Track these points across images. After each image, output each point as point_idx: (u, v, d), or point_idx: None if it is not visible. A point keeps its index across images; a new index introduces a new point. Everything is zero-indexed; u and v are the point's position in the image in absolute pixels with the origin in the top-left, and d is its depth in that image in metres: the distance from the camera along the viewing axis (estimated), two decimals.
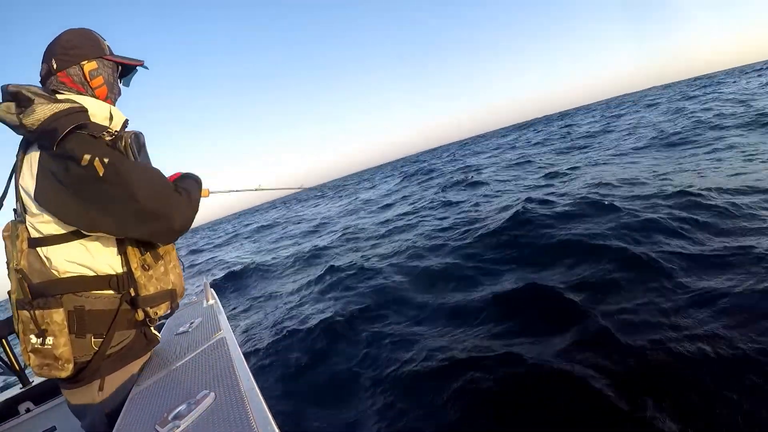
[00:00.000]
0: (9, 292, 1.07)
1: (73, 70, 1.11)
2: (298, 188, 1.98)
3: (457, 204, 8.03)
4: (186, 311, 1.71)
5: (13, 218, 1.12)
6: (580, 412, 2.04)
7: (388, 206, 11.31)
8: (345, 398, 2.71)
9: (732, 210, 3.95)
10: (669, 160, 7.21)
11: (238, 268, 8.30)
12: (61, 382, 1.11)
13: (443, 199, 8.96)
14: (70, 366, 1.02)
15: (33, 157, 1.01)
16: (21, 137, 1.07)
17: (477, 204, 7.39)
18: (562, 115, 64.22)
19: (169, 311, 1.19)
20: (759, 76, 23.59)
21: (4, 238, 1.10)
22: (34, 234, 1.03)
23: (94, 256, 1.05)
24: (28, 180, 1.01)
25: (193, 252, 17.36)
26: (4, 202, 1.09)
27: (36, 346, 1.00)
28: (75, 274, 1.04)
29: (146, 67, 1.27)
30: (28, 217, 1.04)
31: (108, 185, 0.95)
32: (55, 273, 1.02)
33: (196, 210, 1.12)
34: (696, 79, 59.81)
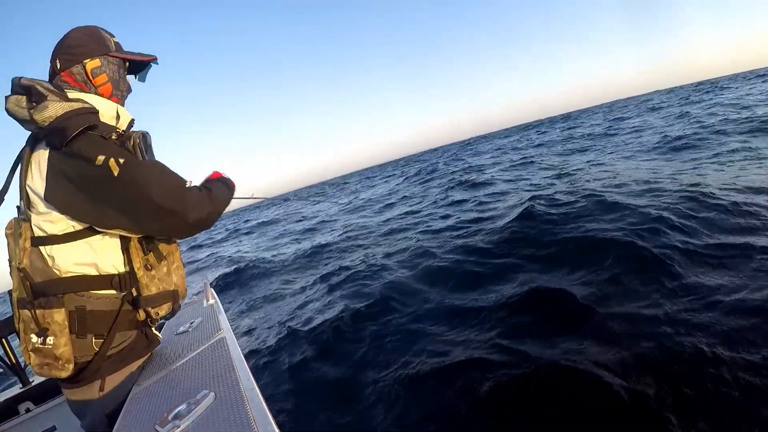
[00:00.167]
0: (10, 291, 1.07)
1: (75, 68, 1.11)
2: (261, 198, 1.83)
3: (462, 203, 8.02)
4: (186, 311, 1.72)
5: (16, 215, 1.11)
6: (581, 412, 2.04)
7: (391, 205, 11.31)
8: (345, 398, 2.70)
9: (741, 210, 3.95)
10: (674, 163, 7.20)
11: (239, 265, 8.28)
12: (61, 381, 1.11)
13: (447, 198, 8.95)
14: (71, 366, 1.02)
15: (42, 156, 1.01)
16: (24, 133, 1.07)
17: (482, 203, 7.38)
18: (565, 117, 64.13)
19: (170, 312, 1.19)
20: (763, 82, 23.54)
21: (7, 236, 1.09)
22: (38, 233, 1.03)
23: (98, 255, 1.05)
24: (37, 179, 1.01)
25: (193, 248, 17.37)
26: (6, 197, 1.09)
27: (37, 345, 1.00)
28: (77, 274, 1.04)
29: (156, 63, 1.26)
30: (33, 216, 1.03)
31: (123, 184, 0.96)
32: (57, 272, 1.02)
33: (216, 207, 1.14)
34: (699, 84, 59.70)
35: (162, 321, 1.30)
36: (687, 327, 2.43)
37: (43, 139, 1.01)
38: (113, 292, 1.08)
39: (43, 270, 1.02)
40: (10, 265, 1.07)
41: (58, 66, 1.10)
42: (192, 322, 1.47)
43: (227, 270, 8.27)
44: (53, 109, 0.96)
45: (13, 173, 1.08)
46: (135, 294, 1.10)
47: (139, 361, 1.17)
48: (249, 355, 3.66)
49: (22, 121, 1.02)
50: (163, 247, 1.16)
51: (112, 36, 1.18)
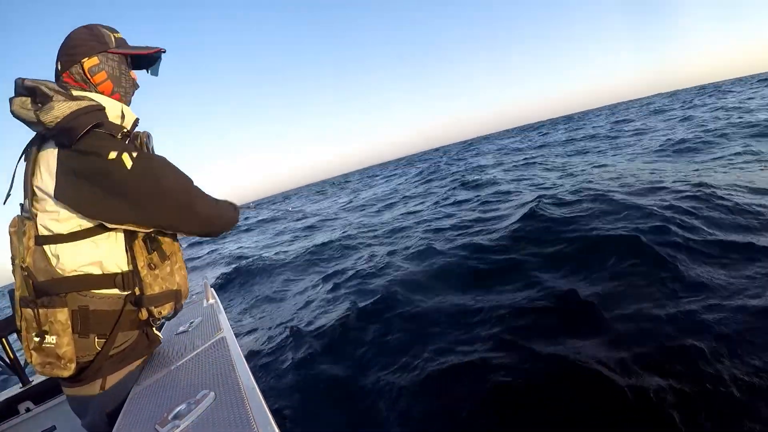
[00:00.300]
0: (11, 291, 1.07)
1: (74, 69, 1.11)
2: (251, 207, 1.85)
3: (466, 202, 7.98)
4: (186, 311, 1.72)
5: (20, 213, 1.11)
6: (584, 411, 2.04)
7: (392, 204, 11.27)
8: (346, 398, 2.69)
9: (746, 210, 3.95)
10: (678, 165, 7.19)
11: (239, 263, 8.27)
12: (62, 380, 1.11)
13: (450, 198, 8.91)
14: (73, 365, 1.02)
15: (50, 155, 1.01)
16: (30, 133, 1.07)
17: (486, 202, 7.34)
18: (567, 118, 63.99)
19: (172, 312, 1.20)
20: (767, 86, 23.49)
21: (10, 234, 1.09)
22: (44, 231, 1.03)
23: (102, 253, 1.06)
24: (47, 178, 1.00)
25: (193, 245, 17.34)
26: (11, 192, 1.09)
27: (38, 344, 1.00)
28: (81, 273, 1.04)
29: (164, 52, 1.23)
30: (39, 214, 1.03)
31: (136, 177, 0.98)
32: (61, 271, 1.02)
33: (221, 212, 1.22)
34: (702, 87, 59.58)
35: (162, 321, 1.31)
36: (691, 327, 2.43)
37: (51, 139, 1.01)
38: (116, 291, 1.08)
39: (46, 269, 1.02)
40: (13, 264, 1.07)
41: (59, 68, 1.11)
42: (192, 322, 1.48)
43: (227, 268, 8.26)
44: (60, 109, 0.97)
45: (16, 171, 1.08)
46: (138, 293, 1.10)
47: (140, 361, 1.18)
48: (249, 355, 3.64)
49: (29, 123, 1.02)
50: (166, 247, 1.16)
51: (115, 32, 1.16)
